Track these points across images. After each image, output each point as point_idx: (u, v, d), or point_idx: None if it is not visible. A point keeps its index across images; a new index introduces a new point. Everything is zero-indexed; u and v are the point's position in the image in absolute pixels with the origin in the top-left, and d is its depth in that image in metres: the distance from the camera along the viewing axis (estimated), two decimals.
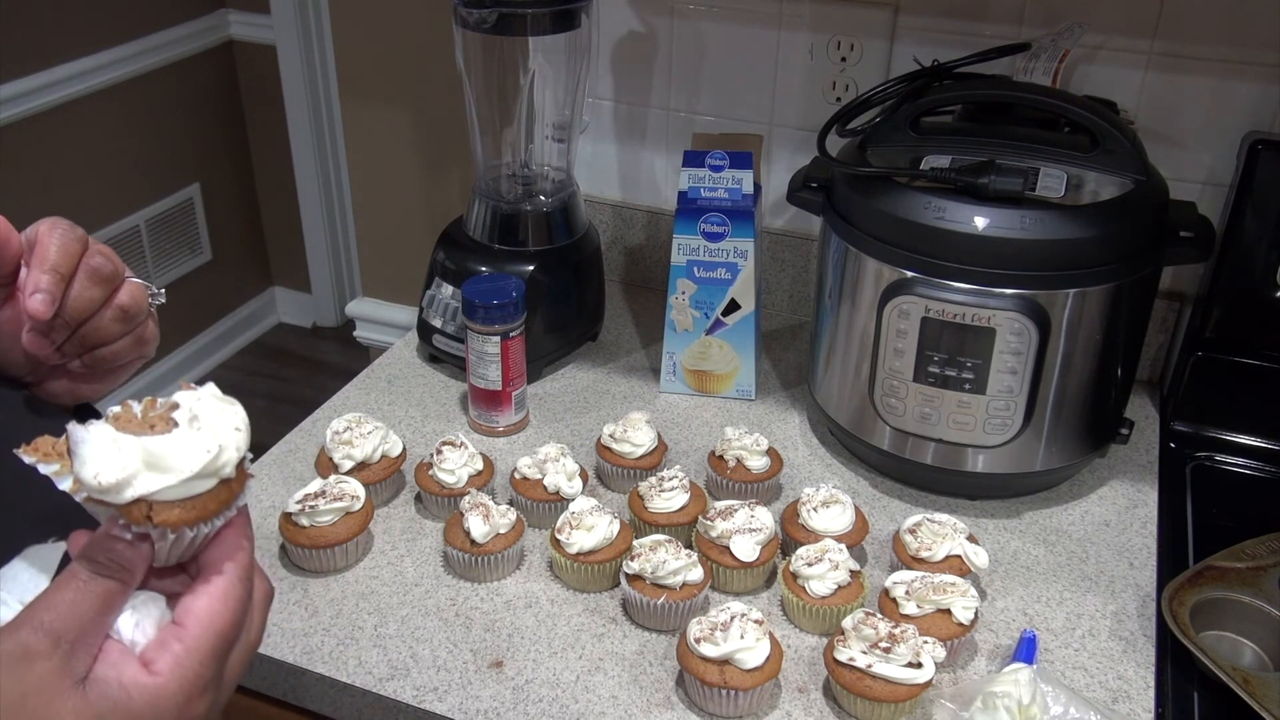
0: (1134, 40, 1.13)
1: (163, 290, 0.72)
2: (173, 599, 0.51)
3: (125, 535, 0.48)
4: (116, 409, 0.49)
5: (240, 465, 0.50)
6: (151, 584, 0.51)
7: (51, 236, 0.65)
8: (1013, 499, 1.07)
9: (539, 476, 1.02)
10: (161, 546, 0.49)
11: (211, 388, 0.51)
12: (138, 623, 0.49)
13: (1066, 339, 0.97)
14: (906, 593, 0.88)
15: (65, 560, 0.54)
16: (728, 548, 0.93)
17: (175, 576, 0.52)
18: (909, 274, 0.97)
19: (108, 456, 0.46)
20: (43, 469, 0.48)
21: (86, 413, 0.75)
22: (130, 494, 0.46)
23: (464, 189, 1.52)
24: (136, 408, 0.50)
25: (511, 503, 1.02)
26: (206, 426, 0.49)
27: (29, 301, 0.62)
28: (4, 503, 0.60)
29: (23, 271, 0.65)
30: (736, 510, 0.95)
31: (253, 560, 0.53)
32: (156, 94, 2.84)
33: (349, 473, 1.02)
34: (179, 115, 2.93)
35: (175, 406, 0.49)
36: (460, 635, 0.90)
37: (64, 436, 0.48)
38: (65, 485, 0.47)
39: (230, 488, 0.50)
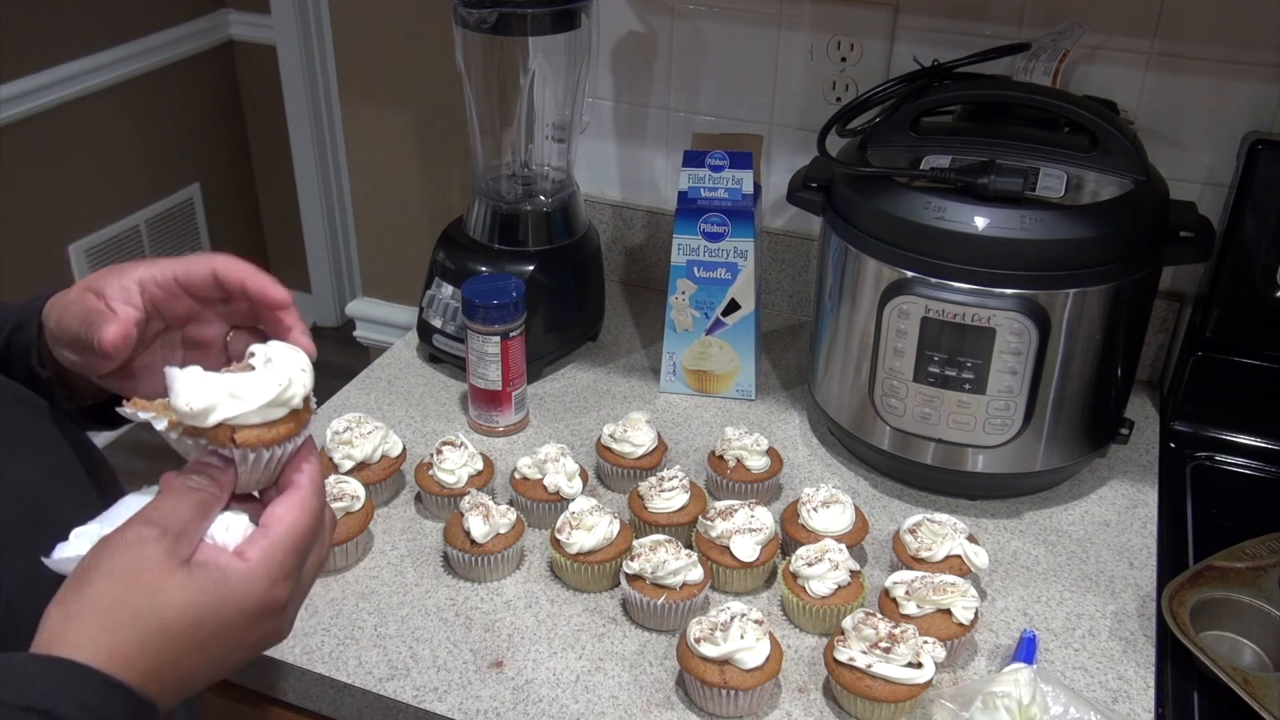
0: (1134, 40, 1.13)
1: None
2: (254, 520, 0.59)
3: (214, 460, 0.58)
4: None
5: (306, 400, 0.59)
6: (235, 507, 0.59)
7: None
8: (1013, 499, 1.07)
9: (539, 476, 1.02)
10: (242, 470, 0.58)
11: (283, 342, 0.61)
12: (228, 527, 0.57)
13: (1066, 339, 0.97)
14: (906, 593, 0.88)
15: None
16: (728, 548, 0.93)
17: (253, 504, 0.60)
18: (909, 274, 0.97)
19: (197, 388, 0.55)
20: (142, 415, 0.56)
21: (114, 406, 0.76)
22: (215, 418, 0.56)
23: (464, 189, 1.52)
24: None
25: (511, 503, 1.02)
26: (278, 366, 0.58)
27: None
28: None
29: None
30: (736, 510, 0.95)
31: (323, 480, 0.61)
32: (156, 94, 2.83)
33: (349, 473, 1.02)
34: (179, 115, 2.92)
35: (252, 354, 0.59)
36: (460, 635, 0.90)
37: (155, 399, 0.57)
38: (161, 425, 0.56)
39: (299, 417, 0.59)
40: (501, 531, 0.95)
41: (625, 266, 1.46)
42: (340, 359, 3.19)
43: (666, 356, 1.22)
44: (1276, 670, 0.88)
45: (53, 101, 2.53)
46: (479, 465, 1.04)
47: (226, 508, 0.58)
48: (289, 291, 0.65)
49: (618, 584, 0.93)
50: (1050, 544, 1.02)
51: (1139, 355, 1.08)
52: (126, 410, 0.57)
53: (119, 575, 0.52)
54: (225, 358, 0.70)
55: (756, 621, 0.82)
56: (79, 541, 0.57)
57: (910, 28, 1.20)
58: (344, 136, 1.68)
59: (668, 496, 0.99)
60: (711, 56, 1.31)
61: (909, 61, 1.17)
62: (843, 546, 0.91)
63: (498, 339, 1.10)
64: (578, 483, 1.02)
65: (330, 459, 1.03)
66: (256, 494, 0.61)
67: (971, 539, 0.94)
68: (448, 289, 1.23)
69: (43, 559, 0.56)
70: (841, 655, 0.82)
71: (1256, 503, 1.08)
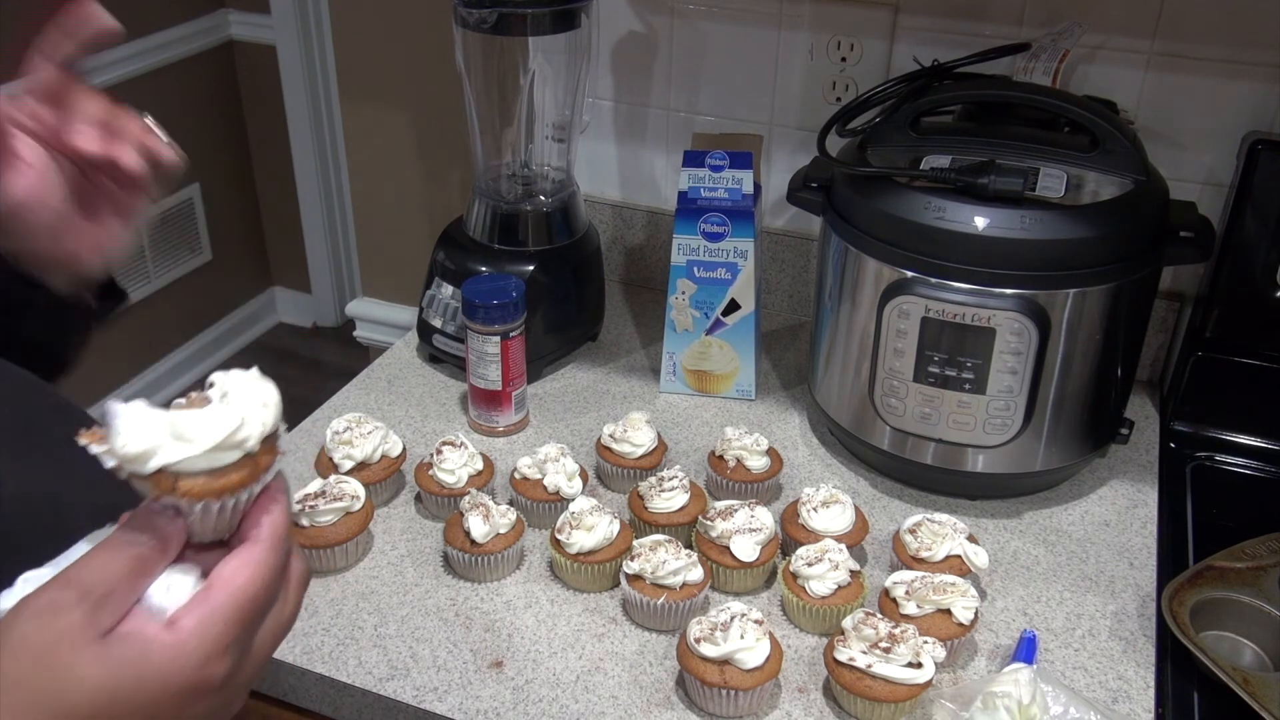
0: (1134, 40, 1.13)
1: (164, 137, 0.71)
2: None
3: (161, 509, 0.50)
4: (181, 400, 0.52)
5: (269, 441, 0.52)
6: (191, 558, 0.52)
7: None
8: (1013, 499, 1.07)
9: (539, 476, 1.02)
10: (194, 520, 0.51)
11: (253, 371, 0.53)
12: (169, 588, 0.50)
13: (1066, 339, 0.97)
14: (906, 593, 0.88)
15: None
16: (728, 548, 0.93)
17: (216, 552, 0.52)
18: (909, 274, 0.97)
19: (136, 428, 0.48)
20: (93, 449, 0.50)
21: (112, 294, 0.75)
22: (155, 463, 0.48)
23: (464, 189, 1.52)
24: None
25: (511, 503, 1.02)
26: (233, 401, 0.51)
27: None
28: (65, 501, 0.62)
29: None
30: (736, 510, 0.95)
31: (287, 533, 0.53)
32: (156, 94, 2.83)
33: (349, 473, 1.02)
34: (179, 115, 2.92)
35: (211, 384, 0.52)
36: (460, 635, 0.90)
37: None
38: (110, 464, 0.50)
39: (256, 462, 0.51)
40: (501, 531, 0.95)
41: (625, 266, 1.46)
42: (340, 359, 3.20)
43: (666, 356, 1.22)
44: (1276, 670, 0.88)
45: None
46: (479, 465, 1.04)
47: (180, 559, 0.51)
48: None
49: (618, 584, 0.93)
50: (1050, 544, 1.02)
51: (1139, 355, 1.08)
52: (82, 441, 0.51)
53: (27, 649, 0.46)
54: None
55: (756, 621, 0.82)
56: (26, 589, 0.52)
57: (910, 28, 1.21)
58: (344, 136, 1.68)
59: (668, 496, 0.99)
60: (711, 56, 1.31)
61: (909, 61, 1.17)
62: (843, 546, 0.91)
63: (498, 339, 1.10)
64: (578, 483, 1.02)
65: (330, 459, 1.03)
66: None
67: (971, 539, 0.94)
68: (448, 289, 1.24)
69: None
70: (841, 655, 0.82)
71: (1256, 503, 1.08)
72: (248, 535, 0.52)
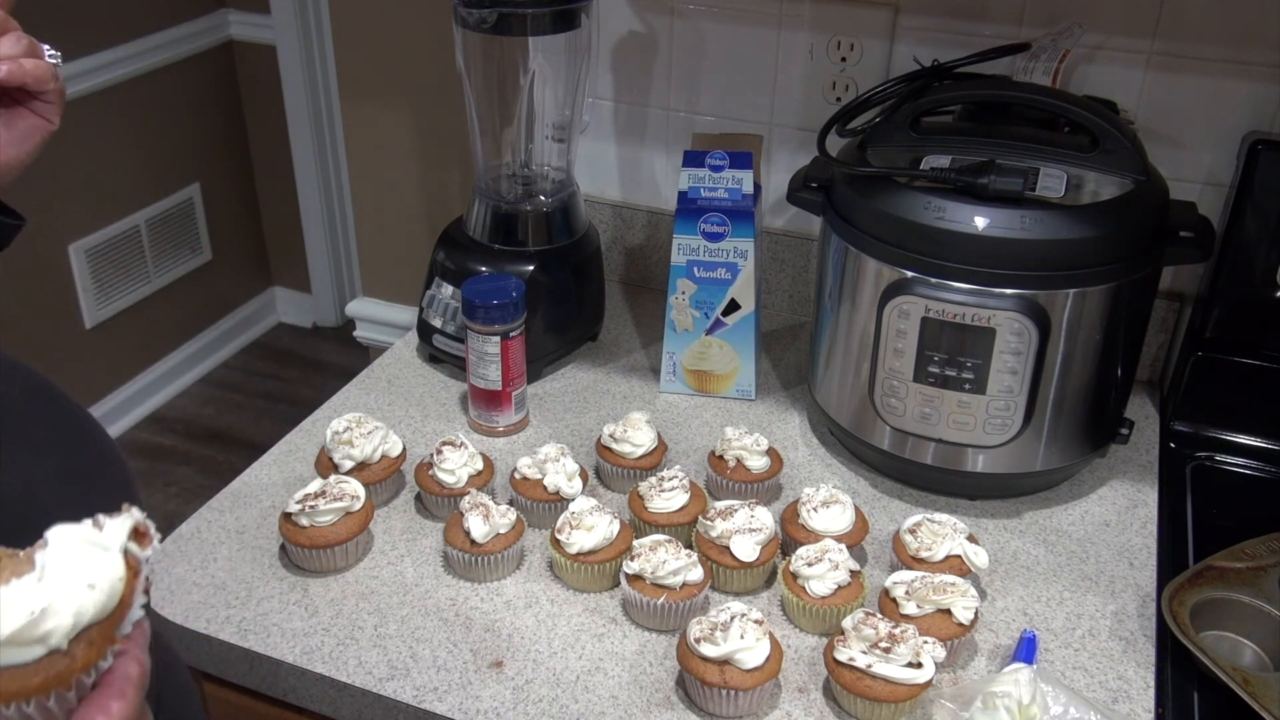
0: (1134, 40, 1.13)
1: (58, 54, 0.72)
2: None
3: None
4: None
5: (98, 629, 0.40)
6: None
7: None
8: (1013, 499, 1.07)
9: (539, 476, 1.02)
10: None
11: (116, 524, 0.42)
12: None
13: (1066, 339, 0.97)
14: (906, 593, 0.88)
15: None
16: (728, 548, 0.93)
17: None
18: (909, 274, 0.97)
19: None
20: None
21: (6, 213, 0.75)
22: None
23: (464, 189, 1.52)
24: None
25: (511, 503, 1.02)
26: (48, 582, 0.39)
27: None
28: None
29: None
30: (736, 510, 0.95)
31: None
32: (156, 94, 2.84)
33: (349, 473, 1.02)
34: (179, 115, 2.93)
35: (44, 544, 0.40)
36: (460, 635, 0.90)
37: None
38: None
39: (70, 660, 0.39)
40: (501, 531, 0.95)
41: (625, 266, 1.46)
42: (340, 359, 3.21)
43: (666, 356, 1.22)
44: (1276, 670, 0.88)
45: None
46: (479, 465, 1.04)
47: None
48: None
49: (618, 584, 0.93)
50: (1050, 544, 1.02)
51: (1139, 355, 1.08)
52: None
53: None
54: None
55: (756, 621, 0.82)
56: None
57: (910, 28, 1.21)
58: (344, 136, 1.68)
59: (668, 496, 0.99)
60: (711, 56, 1.31)
61: (909, 61, 1.17)
62: (843, 546, 0.91)
63: (498, 339, 1.11)
64: (578, 483, 1.02)
65: (330, 459, 1.03)
66: None
67: (971, 539, 0.94)
68: (448, 289, 1.24)
69: None
70: (841, 655, 0.82)
71: (1256, 503, 1.08)
72: None
